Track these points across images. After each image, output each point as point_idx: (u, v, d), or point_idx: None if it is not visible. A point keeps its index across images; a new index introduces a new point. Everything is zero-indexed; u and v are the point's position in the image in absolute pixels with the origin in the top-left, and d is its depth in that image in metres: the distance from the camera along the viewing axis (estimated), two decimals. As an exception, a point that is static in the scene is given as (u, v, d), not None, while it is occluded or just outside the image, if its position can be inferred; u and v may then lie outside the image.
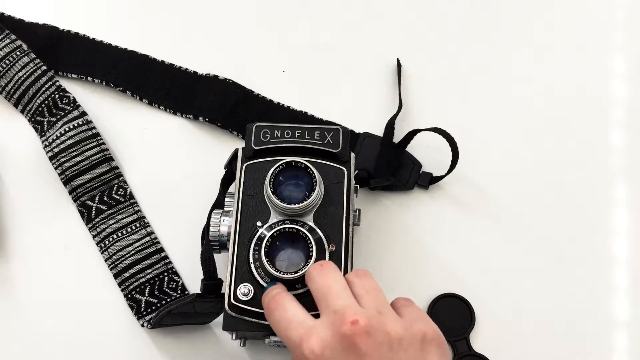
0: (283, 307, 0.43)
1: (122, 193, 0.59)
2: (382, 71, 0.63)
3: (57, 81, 0.61)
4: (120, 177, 0.59)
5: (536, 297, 0.56)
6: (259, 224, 0.49)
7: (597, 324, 0.56)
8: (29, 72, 0.61)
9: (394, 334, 0.40)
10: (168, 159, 0.61)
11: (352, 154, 0.52)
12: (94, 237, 0.58)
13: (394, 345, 0.40)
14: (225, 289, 0.48)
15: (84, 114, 0.60)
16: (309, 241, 0.47)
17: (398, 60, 0.63)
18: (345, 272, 0.48)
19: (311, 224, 0.49)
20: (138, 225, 0.58)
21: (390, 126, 0.59)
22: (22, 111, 0.61)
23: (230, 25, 0.65)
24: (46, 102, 0.61)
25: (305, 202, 0.48)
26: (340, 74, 0.63)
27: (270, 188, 0.48)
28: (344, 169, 0.51)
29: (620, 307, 0.56)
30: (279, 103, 0.62)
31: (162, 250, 0.57)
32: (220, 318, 0.49)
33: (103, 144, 0.59)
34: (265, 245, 0.47)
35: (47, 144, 0.59)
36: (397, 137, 0.59)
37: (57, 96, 0.61)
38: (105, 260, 0.57)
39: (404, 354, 0.40)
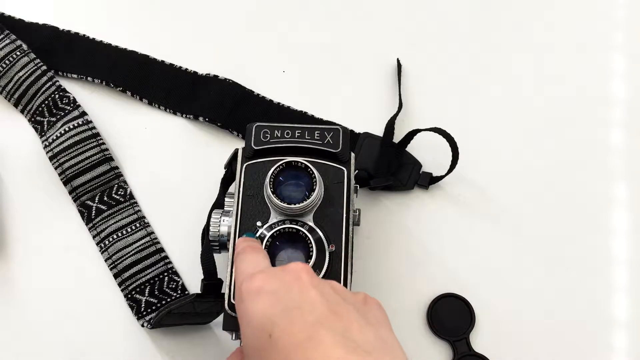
0: (251, 251, 0.43)
1: (122, 193, 0.59)
2: (382, 71, 0.63)
3: (57, 81, 0.61)
4: (120, 177, 0.59)
5: (536, 297, 0.56)
6: (259, 224, 0.49)
7: (597, 324, 0.56)
8: (29, 72, 0.61)
9: (337, 286, 0.40)
10: (168, 159, 0.61)
11: (352, 154, 0.52)
12: (94, 237, 0.58)
13: (338, 290, 0.40)
14: (225, 289, 0.48)
15: (84, 114, 0.60)
16: (309, 241, 0.47)
17: (398, 60, 0.63)
18: (346, 272, 0.48)
19: (311, 224, 0.49)
20: (138, 225, 0.58)
21: (390, 126, 0.59)
22: (22, 111, 0.61)
23: (230, 25, 0.65)
24: (46, 102, 0.61)
25: (305, 202, 0.48)
26: (340, 74, 0.63)
27: (270, 188, 0.48)
28: (344, 169, 0.51)
29: (620, 307, 0.56)
30: (279, 103, 0.62)
31: (162, 250, 0.57)
32: (220, 318, 0.49)
33: (103, 144, 0.59)
34: (265, 245, 0.47)
35: (47, 144, 0.59)
36: (397, 137, 0.59)
37: (57, 96, 0.61)
38: (105, 260, 0.57)
39: (350, 298, 0.40)
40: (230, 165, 0.54)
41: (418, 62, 0.63)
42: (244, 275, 0.41)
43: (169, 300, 0.55)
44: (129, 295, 0.56)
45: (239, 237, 0.49)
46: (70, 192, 0.59)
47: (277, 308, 0.37)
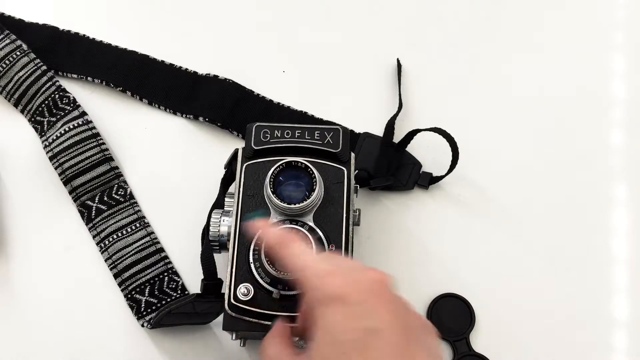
0: (299, 244, 0.42)
1: (122, 193, 0.59)
2: (382, 71, 0.63)
3: (57, 81, 0.61)
4: (120, 177, 0.59)
5: (536, 297, 0.56)
6: (259, 224, 0.49)
7: (597, 324, 0.56)
8: (29, 72, 0.61)
9: (407, 304, 0.40)
10: (168, 159, 0.61)
11: (352, 154, 0.52)
12: (94, 237, 0.58)
13: (408, 311, 0.39)
14: (225, 289, 0.48)
15: (84, 114, 0.60)
16: (309, 241, 0.47)
17: (398, 60, 0.63)
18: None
19: (311, 224, 0.49)
20: (138, 225, 0.58)
21: (390, 126, 0.59)
22: (22, 111, 0.61)
23: (230, 25, 0.65)
24: (46, 102, 0.61)
25: (305, 202, 0.48)
26: (340, 74, 0.63)
27: (270, 188, 0.48)
28: (344, 169, 0.51)
29: (620, 307, 0.56)
30: (279, 103, 0.62)
31: (162, 250, 0.57)
32: (220, 318, 0.49)
33: (103, 144, 0.59)
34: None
35: (47, 144, 0.59)
36: (397, 137, 0.59)
37: (57, 96, 0.61)
38: (105, 260, 0.57)
39: (414, 322, 0.39)
40: (230, 165, 0.54)
41: (418, 62, 0.63)
42: (319, 271, 0.38)
43: (169, 300, 0.55)
44: (129, 295, 0.56)
45: (239, 237, 0.49)
46: (70, 192, 0.59)
47: (357, 325, 0.36)
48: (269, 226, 0.46)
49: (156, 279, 0.56)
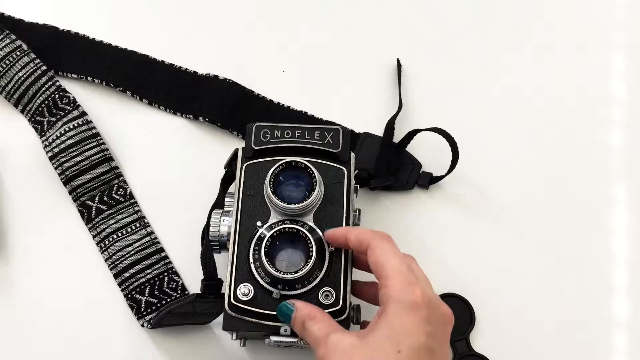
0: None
1: (122, 193, 0.59)
2: (382, 71, 0.63)
3: (57, 81, 0.61)
4: (120, 177, 0.59)
5: (536, 297, 0.56)
6: (259, 224, 0.49)
7: (597, 324, 0.56)
8: (29, 72, 0.61)
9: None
10: (168, 159, 0.61)
11: (352, 154, 0.52)
12: (94, 237, 0.58)
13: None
14: (225, 289, 0.48)
15: (84, 114, 0.60)
16: (309, 241, 0.47)
17: (398, 60, 0.63)
18: (346, 272, 0.48)
19: (311, 224, 0.49)
20: (138, 225, 0.58)
21: (390, 126, 0.59)
22: (22, 111, 0.61)
23: (230, 25, 0.65)
24: (46, 102, 0.61)
25: (305, 202, 0.48)
26: (340, 74, 0.63)
27: (270, 188, 0.48)
28: (344, 169, 0.51)
29: (620, 307, 0.56)
30: (279, 103, 0.62)
31: (162, 250, 0.57)
32: (220, 318, 0.49)
33: (103, 144, 0.59)
34: (265, 245, 0.47)
35: (47, 144, 0.59)
36: (397, 137, 0.59)
37: (57, 96, 0.61)
38: (105, 260, 0.57)
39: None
40: (230, 165, 0.54)
41: (418, 62, 0.63)
42: (407, 277, 0.43)
43: (169, 300, 0.55)
44: (129, 295, 0.56)
45: (239, 237, 0.49)
46: (70, 192, 0.59)
47: (418, 331, 0.42)
48: (375, 234, 0.47)
49: (156, 279, 0.56)
